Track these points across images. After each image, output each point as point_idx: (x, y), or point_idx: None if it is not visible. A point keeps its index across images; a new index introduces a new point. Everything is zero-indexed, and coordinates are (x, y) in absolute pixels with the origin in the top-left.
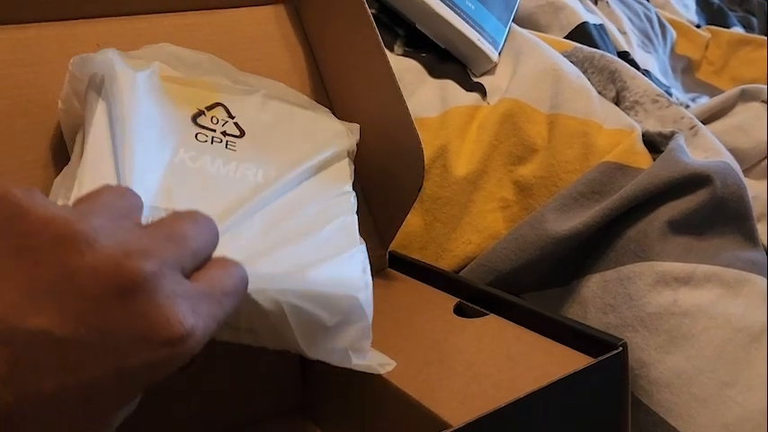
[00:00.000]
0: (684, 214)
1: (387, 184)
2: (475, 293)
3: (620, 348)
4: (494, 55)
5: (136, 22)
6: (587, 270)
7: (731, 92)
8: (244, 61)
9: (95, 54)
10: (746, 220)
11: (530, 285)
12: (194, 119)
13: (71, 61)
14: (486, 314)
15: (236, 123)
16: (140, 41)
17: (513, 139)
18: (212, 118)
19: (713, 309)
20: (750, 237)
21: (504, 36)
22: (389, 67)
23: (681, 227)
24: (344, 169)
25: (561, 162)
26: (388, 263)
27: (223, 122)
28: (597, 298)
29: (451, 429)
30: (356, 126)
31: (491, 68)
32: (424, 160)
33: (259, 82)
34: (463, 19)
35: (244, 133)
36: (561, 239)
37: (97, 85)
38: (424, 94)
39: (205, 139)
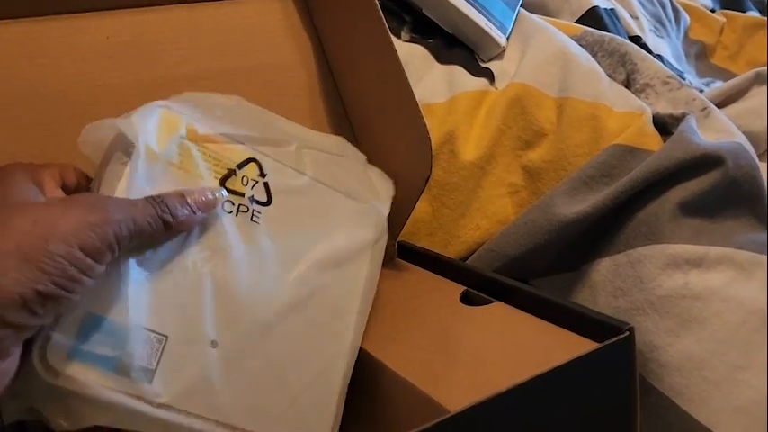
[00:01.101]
0: (696, 196)
1: (395, 173)
2: (481, 281)
3: (627, 333)
4: (502, 40)
5: (143, 14)
6: (597, 254)
7: (746, 75)
8: (251, 53)
9: (119, 121)
10: (760, 202)
11: (539, 271)
12: (223, 182)
13: (85, 128)
14: (493, 301)
15: (265, 184)
16: (148, 33)
17: (522, 124)
18: (243, 178)
19: (725, 291)
20: (764, 218)
21: (513, 20)
22: (397, 56)
23: (692, 209)
24: (360, 270)
25: (570, 146)
26: (397, 252)
27: (253, 183)
28: (607, 282)
29: (451, 414)
30: (390, 186)
31: (499, 53)
32: (431, 150)
33: (292, 129)
34: (470, 4)
35: (270, 201)
36: (570, 223)
37: (126, 147)
38: (432, 81)
39: (231, 209)
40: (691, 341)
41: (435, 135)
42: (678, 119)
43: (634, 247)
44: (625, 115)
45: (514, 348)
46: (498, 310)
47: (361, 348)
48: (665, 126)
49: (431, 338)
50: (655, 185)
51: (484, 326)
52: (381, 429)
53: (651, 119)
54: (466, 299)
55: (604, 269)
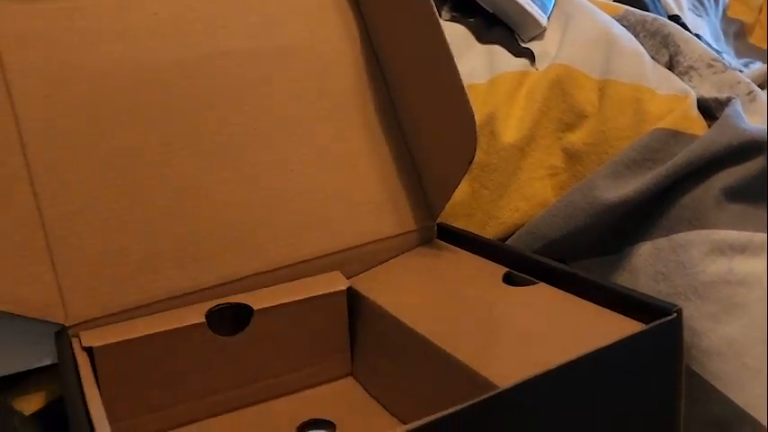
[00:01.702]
0: (740, 182)
1: (438, 154)
2: (524, 262)
3: (675, 315)
4: (543, 19)
5: None
6: (639, 238)
7: None
8: (296, 31)
9: None
10: None
11: (579, 253)
12: None
13: None
14: (536, 282)
15: None
16: (194, 10)
17: (563, 106)
18: None
19: None
20: None
21: (554, 0)
22: (443, 35)
23: (737, 194)
24: None
25: (612, 129)
26: (437, 234)
27: None
28: (649, 266)
29: (498, 390)
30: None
31: (540, 33)
32: (476, 132)
33: None
34: None
35: None
36: (612, 207)
37: None
38: (472, 60)
39: None
40: (733, 327)
41: (476, 116)
42: (723, 103)
43: (677, 232)
44: (669, 98)
45: (560, 328)
46: (542, 290)
47: (397, 320)
48: (709, 110)
49: (474, 316)
50: (699, 170)
51: (528, 305)
52: (424, 405)
53: (695, 102)
54: (508, 279)
55: (646, 253)
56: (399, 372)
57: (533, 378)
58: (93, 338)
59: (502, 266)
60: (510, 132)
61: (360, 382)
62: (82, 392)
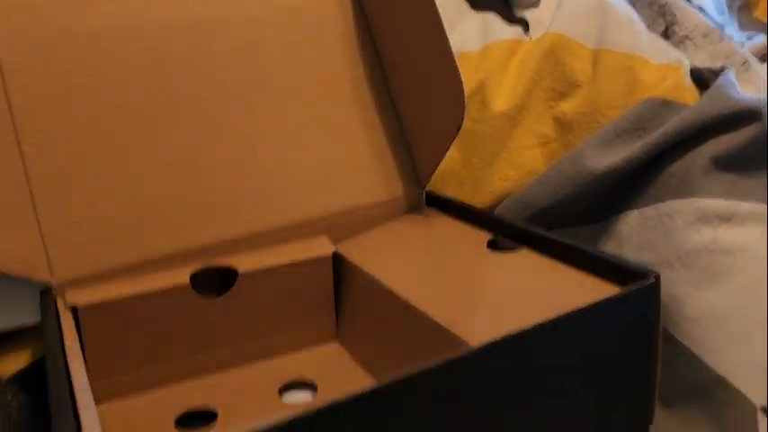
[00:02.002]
0: (730, 150)
1: (426, 120)
2: (508, 229)
3: (653, 280)
4: None
5: None
6: (625, 206)
7: None
8: None
9: None
10: None
11: (566, 221)
12: None
13: None
14: (518, 248)
15: None
16: None
17: (556, 75)
18: None
19: (754, 248)
20: None
21: None
22: (433, 2)
23: (726, 163)
24: None
25: (604, 98)
26: (425, 201)
27: None
28: (635, 234)
29: (471, 348)
30: None
31: (535, 1)
32: (464, 98)
33: None
34: None
35: None
36: (601, 175)
37: None
38: (465, 28)
39: None
40: (715, 294)
41: (467, 84)
42: (716, 73)
43: (663, 201)
44: (662, 68)
45: (539, 291)
46: (524, 255)
47: (380, 284)
48: (702, 80)
49: (456, 280)
50: (689, 139)
51: (509, 269)
52: (399, 365)
53: (689, 72)
54: (492, 245)
55: (632, 222)
56: (382, 336)
57: (505, 338)
58: (79, 298)
59: (487, 233)
60: (501, 101)
61: (344, 347)
62: (63, 349)
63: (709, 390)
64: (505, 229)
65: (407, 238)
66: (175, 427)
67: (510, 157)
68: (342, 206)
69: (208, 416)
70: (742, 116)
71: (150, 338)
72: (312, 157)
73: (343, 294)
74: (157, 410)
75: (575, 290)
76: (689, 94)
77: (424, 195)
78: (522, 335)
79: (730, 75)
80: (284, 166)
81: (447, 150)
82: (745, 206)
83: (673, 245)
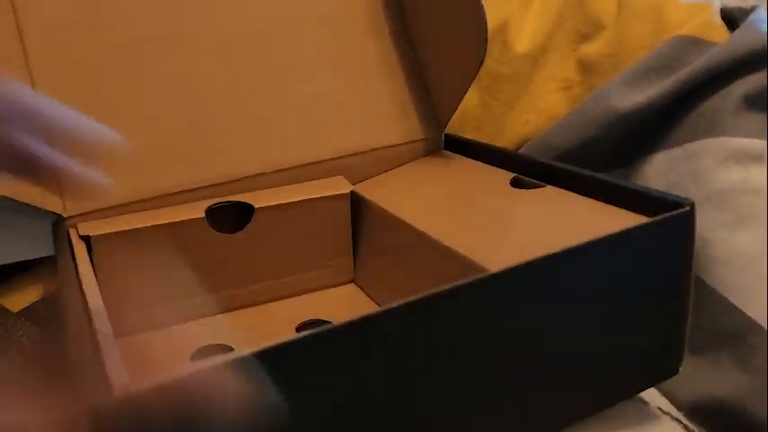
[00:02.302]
0: (762, 89)
1: (447, 59)
2: (532, 167)
3: (688, 208)
4: None
5: None
6: (652, 149)
7: None
8: None
9: None
10: None
11: (590, 166)
12: None
13: None
14: (543, 185)
15: None
16: None
17: (580, 16)
18: None
19: None
20: None
21: None
22: None
23: (757, 102)
24: None
25: (630, 38)
26: (444, 145)
27: None
28: (661, 177)
29: (491, 273)
30: None
31: None
32: (487, 35)
33: None
34: None
35: None
36: (626, 115)
37: None
38: None
39: None
40: (746, 237)
41: (489, 23)
42: (747, 12)
43: (692, 141)
44: (690, 7)
45: (566, 222)
46: (549, 192)
47: (399, 219)
48: (733, 19)
49: (476, 215)
50: (718, 77)
51: (534, 205)
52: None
53: (719, 11)
54: (516, 184)
55: (659, 163)
56: (400, 273)
57: (528, 263)
58: (92, 228)
59: (510, 172)
60: (523, 42)
61: (361, 288)
62: (79, 279)
63: (739, 335)
64: (530, 168)
65: (427, 178)
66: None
67: (531, 100)
68: (359, 147)
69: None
70: None
71: (164, 272)
72: (330, 97)
73: (361, 235)
74: (171, 347)
75: (605, 220)
76: (718, 32)
77: (443, 137)
78: (546, 261)
79: (762, 12)
80: (302, 106)
81: (467, 89)
82: None
83: (701, 185)
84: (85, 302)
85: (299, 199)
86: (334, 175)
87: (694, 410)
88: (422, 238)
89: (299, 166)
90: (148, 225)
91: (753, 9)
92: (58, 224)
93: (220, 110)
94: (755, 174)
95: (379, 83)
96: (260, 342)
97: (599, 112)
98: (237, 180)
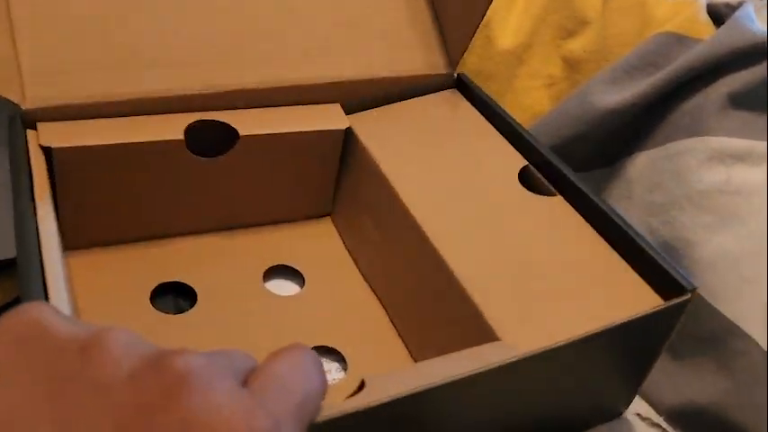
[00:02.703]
0: (747, 87)
1: None
2: (543, 162)
3: (689, 295)
4: None
5: None
6: (635, 148)
7: None
8: None
9: None
10: None
11: (573, 165)
12: None
13: None
14: (554, 194)
15: None
16: None
17: (564, 11)
18: None
19: None
20: None
21: None
22: None
23: (741, 100)
24: None
25: (615, 35)
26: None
27: None
28: (644, 177)
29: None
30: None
31: None
32: None
33: None
34: None
35: None
36: (609, 113)
37: None
38: None
39: None
40: (728, 238)
41: None
42: (734, 8)
43: (675, 140)
44: (676, 3)
45: (581, 284)
46: (559, 208)
47: (397, 196)
48: (719, 16)
49: (475, 216)
50: (702, 75)
51: (540, 223)
52: (397, 279)
53: (705, 7)
54: (524, 178)
55: (641, 163)
56: (380, 237)
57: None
58: (54, 137)
59: (520, 157)
60: (507, 38)
61: (337, 228)
62: (32, 192)
63: (720, 339)
64: (539, 161)
65: (431, 128)
66: (151, 303)
67: (515, 97)
68: (360, 73)
69: (185, 289)
70: (760, 50)
71: (131, 191)
72: (333, 15)
73: (348, 175)
74: (132, 279)
75: (618, 294)
76: (704, 28)
77: (455, 77)
78: (570, 345)
79: (748, 8)
80: (302, 21)
81: (478, 26)
82: (761, 145)
83: (684, 185)
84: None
85: (290, 131)
86: (329, 101)
87: (675, 415)
88: (413, 225)
89: (292, 86)
90: (120, 142)
91: (739, 5)
92: (15, 119)
93: (211, 16)
94: (738, 174)
95: (389, 6)
96: (225, 288)
97: (581, 109)
98: (222, 93)
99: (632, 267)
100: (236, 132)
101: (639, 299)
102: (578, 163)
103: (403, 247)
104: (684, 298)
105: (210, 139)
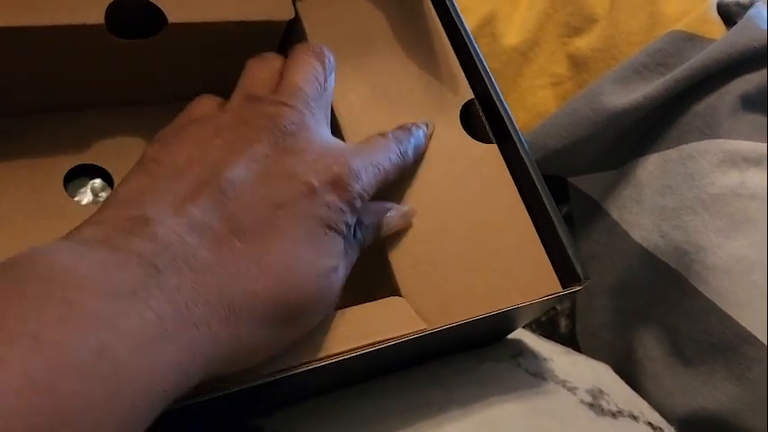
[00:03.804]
0: (760, 88)
1: None
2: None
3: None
4: None
5: None
6: (645, 150)
7: None
8: None
9: None
10: None
11: (581, 167)
12: None
13: None
14: (491, 142)
15: None
16: None
17: (571, 8)
18: None
19: None
20: None
21: None
22: None
23: (755, 102)
24: None
25: (623, 33)
26: None
27: None
28: (655, 179)
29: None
30: None
31: None
32: None
33: None
34: None
35: None
36: (619, 114)
37: None
38: None
39: None
40: (742, 243)
41: (475, 16)
42: (746, 7)
43: (687, 142)
44: (686, 1)
45: (485, 253)
46: (492, 161)
47: (335, 119)
48: (729, 15)
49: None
50: (715, 76)
51: (468, 185)
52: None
53: (715, 5)
54: (467, 117)
55: (652, 166)
56: None
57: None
58: None
59: (467, 88)
60: (512, 35)
61: None
62: None
63: (733, 347)
64: (487, 102)
65: (385, 32)
66: (64, 187)
67: (521, 97)
68: None
69: (99, 172)
70: None
71: (40, 75)
72: None
73: None
74: (43, 163)
75: (529, 278)
76: (715, 28)
77: None
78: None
79: (761, 8)
80: None
81: None
82: None
83: (696, 189)
84: None
85: (228, 20)
86: None
87: (687, 424)
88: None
89: None
90: (32, 25)
91: (751, 4)
92: None
93: None
94: (752, 177)
95: None
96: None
97: (590, 110)
98: None
99: (542, 241)
100: (164, 18)
101: (540, 280)
102: (586, 164)
103: None
104: (577, 289)
105: (133, 22)
